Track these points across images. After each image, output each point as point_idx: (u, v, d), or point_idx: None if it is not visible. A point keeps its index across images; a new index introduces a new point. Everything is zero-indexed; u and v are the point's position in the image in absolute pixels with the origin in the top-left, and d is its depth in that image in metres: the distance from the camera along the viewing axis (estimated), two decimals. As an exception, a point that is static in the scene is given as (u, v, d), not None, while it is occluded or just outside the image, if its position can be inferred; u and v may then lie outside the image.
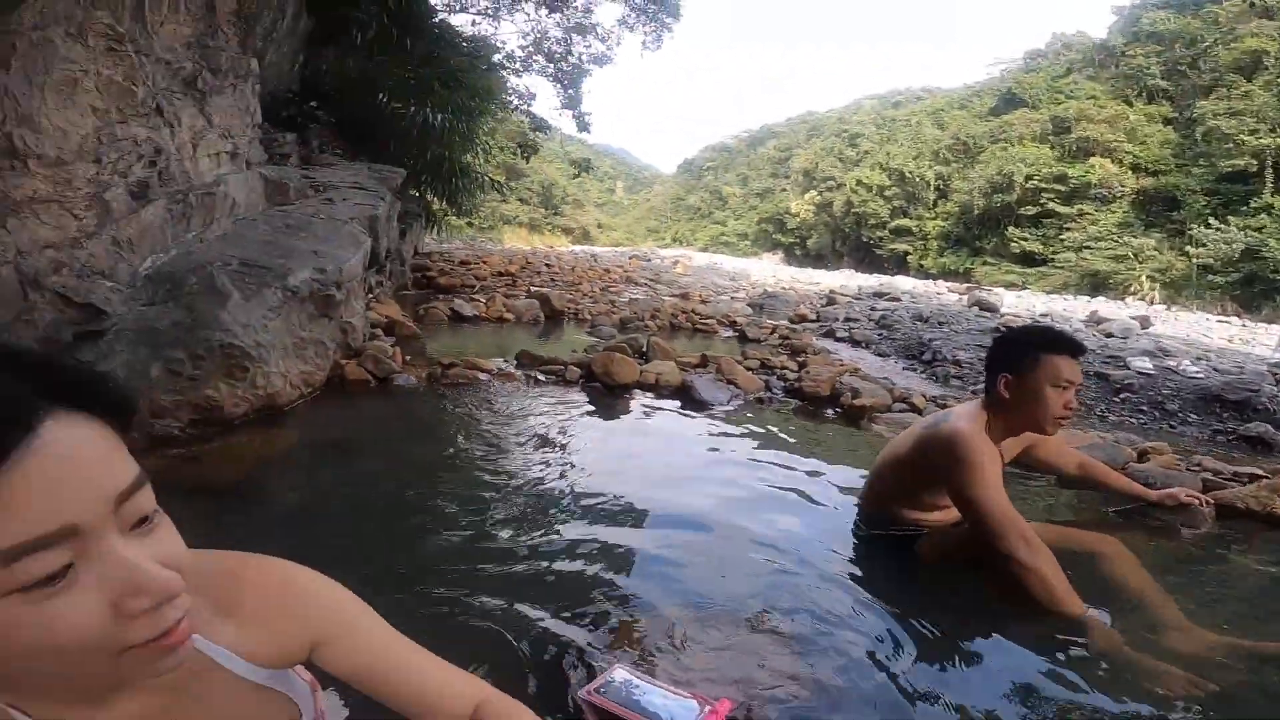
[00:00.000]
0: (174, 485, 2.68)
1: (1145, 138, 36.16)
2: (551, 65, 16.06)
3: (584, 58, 16.19)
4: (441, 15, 12.81)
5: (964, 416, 2.16)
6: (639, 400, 4.74)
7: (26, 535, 0.45)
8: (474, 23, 15.01)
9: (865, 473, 3.28)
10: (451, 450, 3.49)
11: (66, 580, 0.48)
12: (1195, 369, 7.04)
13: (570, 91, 16.25)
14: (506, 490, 3.00)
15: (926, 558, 2.28)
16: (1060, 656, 1.80)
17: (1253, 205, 28.75)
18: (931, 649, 1.88)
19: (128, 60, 3.41)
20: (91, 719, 0.60)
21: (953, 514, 2.28)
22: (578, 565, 2.35)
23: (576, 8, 15.48)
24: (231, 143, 5.00)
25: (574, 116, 16.56)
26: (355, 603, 0.83)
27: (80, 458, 0.49)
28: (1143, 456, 3.74)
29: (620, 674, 1.55)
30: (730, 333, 8.94)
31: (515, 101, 15.44)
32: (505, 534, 2.55)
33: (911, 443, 2.29)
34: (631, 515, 2.85)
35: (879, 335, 9.17)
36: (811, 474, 3.48)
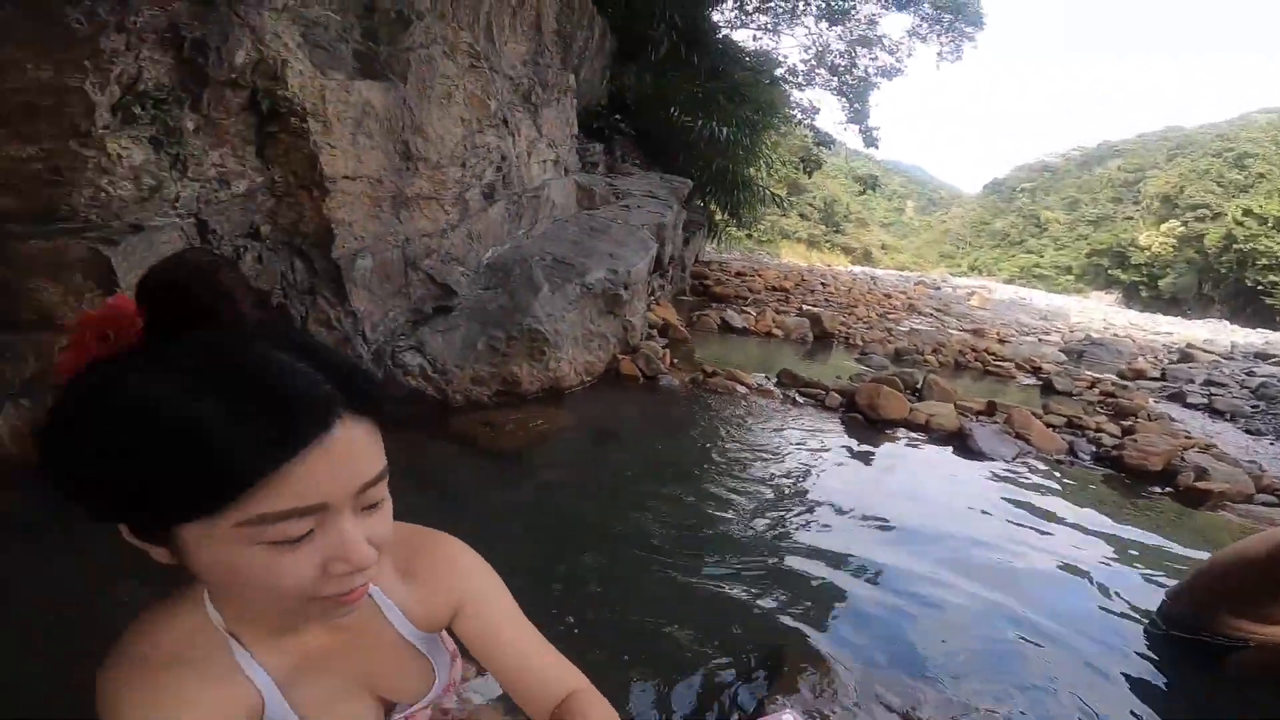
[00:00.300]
0: (472, 444, 3.22)
1: None
2: (835, 79, 15.48)
3: (870, 70, 15.34)
4: (724, 32, 13.10)
5: None
6: (902, 439, 4.31)
7: (292, 505, 0.55)
8: (755, 38, 15.08)
9: (1183, 564, 2.61)
10: (698, 455, 3.58)
11: (303, 542, 0.57)
12: None
13: (856, 105, 15.53)
14: (740, 504, 2.99)
15: (1248, 671, 1.96)
16: None
17: None
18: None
19: (484, 76, 4.15)
20: (280, 647, 0.72)
21: None
22: (782, 593, 2.23)
23: (859, 20, 14.70)
24: (555, 151, 5.78)
25: (860, 131, 15.79)
26: (496, 583, 0.91)
27: (349, 454, 0.58)
28: None
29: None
30: (1031, 380, 7.62)
31: (798, 115, 15.21)
32: (724, 546, 2.54)
33: (1275, 545, 1.94)
34: (861, 556, 2.60)
35: (1253, 407, 6.99)
36: (1108, 554, 2.85)
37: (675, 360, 5.46)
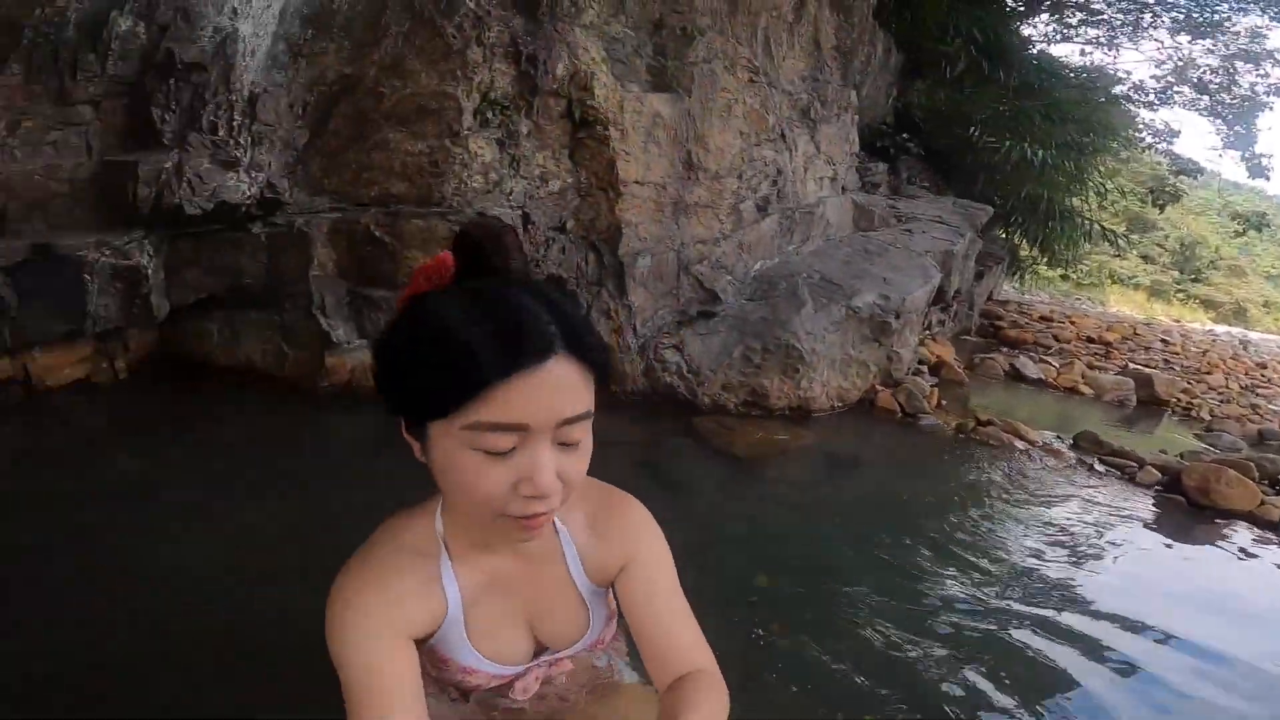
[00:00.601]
0: (708, 444, 3.30)
1: None
2: (1205, 98, 12.32)
3: (1258, 89, 11.90)
4: (1040, 46, 11.27)
5: None
6: (1242, 536, 3.31)
7: (502, 419, 0.66)
8: (1083, 53, 12.80)
9: None
10: (944, 507, 3.17)
11: (506, 457, 0.68)
12: None
13: (1237, 129, 12.40)
14: (982, 573, 2.56)
15: None
16: None
17: None
18: None
19: (762, 90, 4.19)
20: (476, 564, 0.84)
21: None
22: (999, 685, 1.86)
23: (1236, 33, 11.35)
24: (833, 169, 5.60)
25: (1243, 159, 12.83)
26: (664, 551, 0.94)
27: (557, 387, 0.67)
28: None
29: None
30: None
31: (1146, 139, 12.44)
32: (944, 611, 2.20)
33: None
34: (1138, 682, 2.02)
35: None
36: None
37: (944, 401, 4.90)
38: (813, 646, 1.90)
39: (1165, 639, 2.28)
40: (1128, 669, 2.12)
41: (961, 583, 2.42)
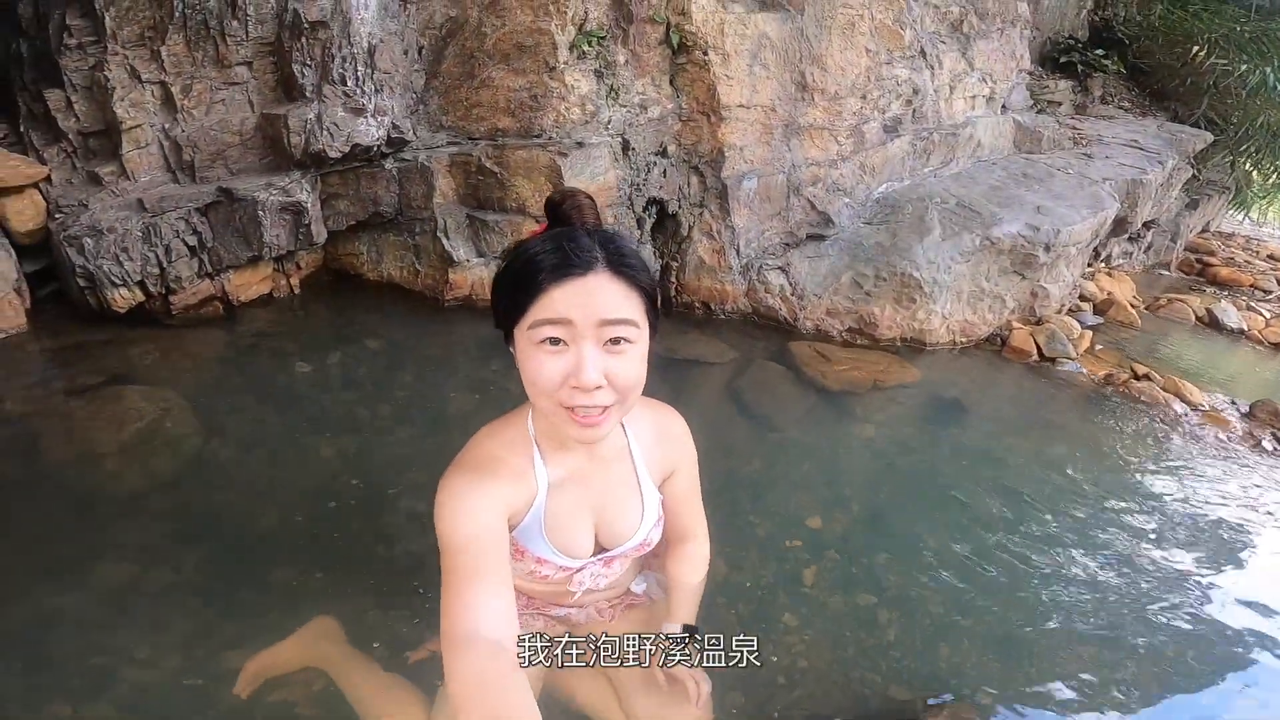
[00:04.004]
0: (800, 372, 3.25)
1: None
2: None
3: None
4: None
5: None
6: None
7: (551, 315, 0.82)
8: None
9: None
10: (1058, 471, 2.88)
11: (558, 349, 0.84)
12: None
13: None
14: (1087, 554, 2.34)
15: None
16: None
17: None
18: None
19: (898, 4, 3.72)
20: (560, 461, 1.02)
21: None
22: (1045, 666, 1.78)
23: None
24: (990, 86, 4.91)
25: None
26: (695, 456, 1.20)
27: (598, 293, 0.83)
28: None
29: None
30: None
31: None
32: (1017, 590, 2.07)
33: None
34: (1203, 676, 1.85)
35: None
36: None
37: (1098, 346, 4.35)
38: (839, 599, 1.91)
39: None
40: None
41: (1056, 566, 2.22)
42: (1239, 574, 2.36)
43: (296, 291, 3.42)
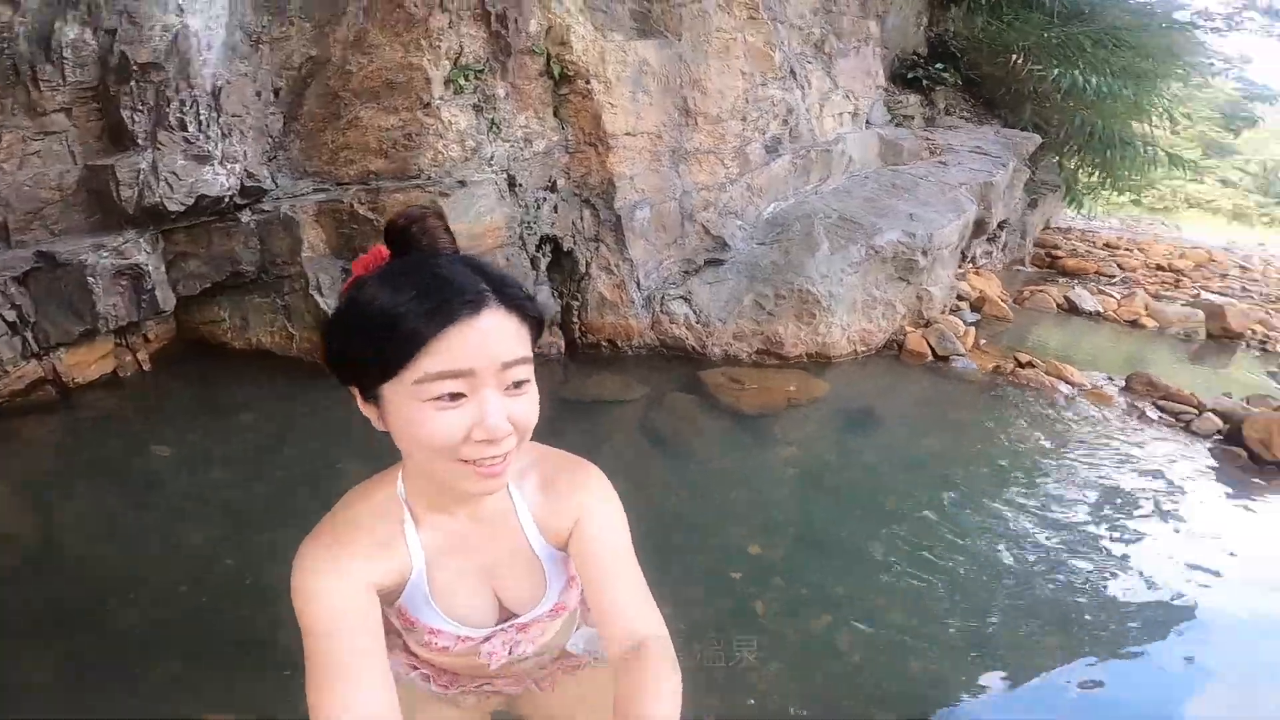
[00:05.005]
0: (714, 399, 3.18)
1: None
2: (1277, 24, 10.93)
3: None
4: None
5: None
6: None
7: (447, 367, 0.71)
8: None
9: None
10: (971, 462, 2.99)
11: (456, 404, 0.73)
12: None
13: None
14: (1001, 541, 2.39)
15: None
16: None
17: None
18: None
19: (766, 27, 3.90)
20: (436, 524, 0.88)
21: None
22: (1001, 649, 1.78)
23: None
24: (854, 103, 5.25)
25: None
26: (617, 514, 0.97)
27: (494, 335, 0.73)
28: None
29: None
30: None
31: (1216, 65, 11.19)
32: (949, 591, 2.06)
33: None
34: (1159, 636, 1.90)
35: None
36: None
37: (983, 341, 4.63)
38: (795, 626, 1.83)
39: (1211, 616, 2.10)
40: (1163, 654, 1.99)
41: (975, 555, 2.25)
42: (1172, 535, 2.50)
43: (147, 368, 3.00)
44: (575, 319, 3.53)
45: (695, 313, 3.72)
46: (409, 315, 0.71)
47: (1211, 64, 11.12)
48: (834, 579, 2.03)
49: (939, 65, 7.23)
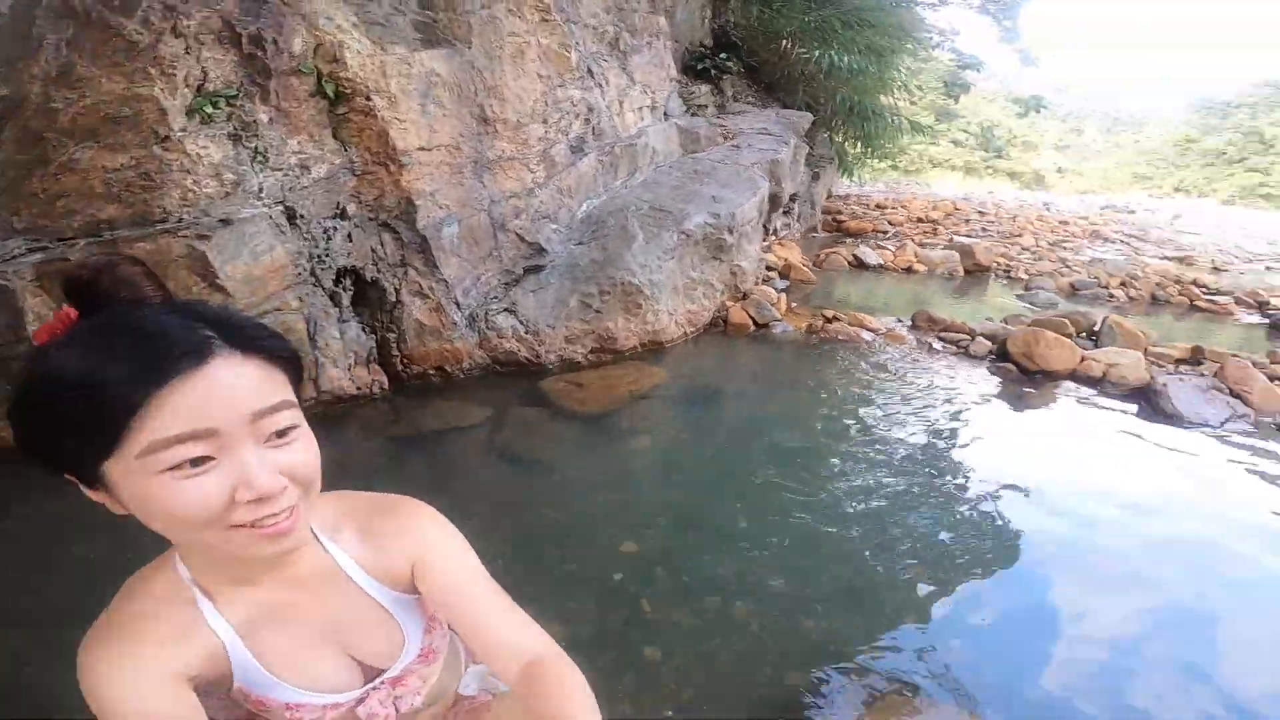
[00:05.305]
0: (558, 406, 3.13)
1: None
2: None
3: None
4: None
5: None
6: (1069, 396, 3.61)
7: (179, 430, 0.62)
8: None
9: None
10: (807, 409, 3.25)
11: (205, 469, 0.64)
12: None
13: (1006, 23, 13.71)
14: (846, 468, 2.65)
15: None
16: None
17: None
18: None
19: (559, 29, 3.90)
20: (242, 597, 0.79)
21: None
22: (881, 589, 1.94)
23: None
24: (651, 97, 5.45)
25: (1015, 51, 14.35)
26: (457, 542, 0.92)
27: (231, 384, 0.65)
28: None
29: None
30: (1256, 318, 6.16)
31: (935, 39, 13.40)
32: (816, 522, 2.24)
33: None
34: (994, 546, 2.19)
35: None
36: None
37: (794, 304, 5.04)
38: (687, 613, 1.83)
39: (1029, 517, 2.45)
40: (1004, 569, 2.25)
41: (829, 515, 2.38)
42: (956, 455, 2.85)
43: None
44: (395, 351, 3.26)
45: (523, 323, 3.61)
46: (111, 380, 0.62)
47: (931, 38, 13.02)
48: (711, 559, 2.06)
49: (723, 55, 7.71)
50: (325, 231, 2.93)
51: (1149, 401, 3.44)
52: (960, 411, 3.33)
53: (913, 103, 12.25)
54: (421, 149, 3.14)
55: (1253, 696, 1.61)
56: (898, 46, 9.55)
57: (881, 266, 7.06)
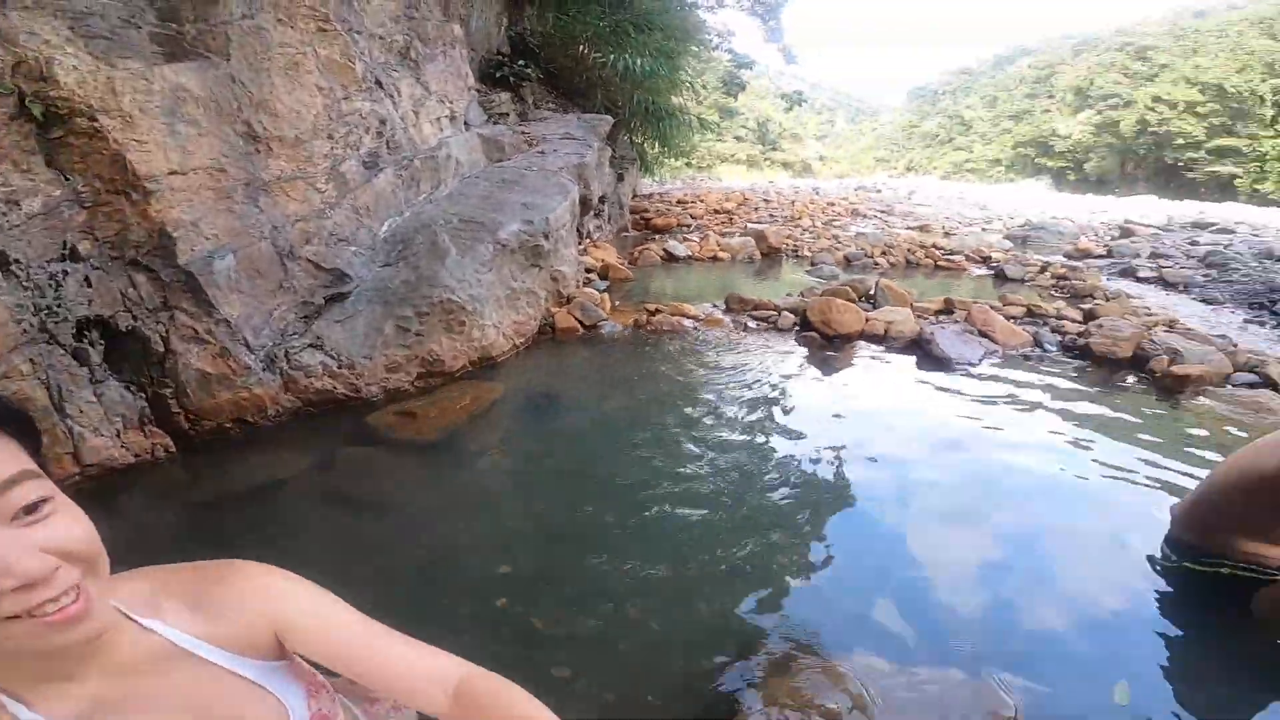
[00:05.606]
0: (390, 440, 2.87)
1: None
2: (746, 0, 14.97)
3: None
4: None
5: None
6: (864, 354, 4.09)
7: None
8: None
9: (1181, 472, 2.41)
10: (647, 402, 3.33)
11: None
12: None
13: (770, 24, 15.18)
14: (694, 451, 2.75)
15: (1271, 614, 1.61)
16: None
17: None
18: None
19: (341, 39, 3.60)
20: (60, 694, 0.69)
21: None
22: (756, 559, 2.04)
23: None
24: (449, 107, 5.24)
25: (779, 50, 15.65)
26: (319, 597, 0.85)
27: None
28: None
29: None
30: (983, 271, 7.52)
31: (714, 40, 14.68)
32: (680, 510, 2.31)
33: None
34: (837, 499, 2.42)
35: (1205, 277, 7.04)
36: (1096, 467, 2.65)
37: (617, 303, 5.14)
38: (583, 624, 1.77)
39: (849, 460, 2.72)
40: (840, 503, 2.43)
41: (693, 500, 2.43)
42: (784, 419, 3.08)
43: None
44: (175, 408, 2.76)
45: (334, 357, 3.26)
46: None
47: (711, 39, 14.05)
48: (590, 565, 2.01)
49: (522, 62, 7.64)
50: (52, 278, 2.37)
51: (923, 350, 4.02)
52: (781, 380, 3.62)
53: (699, 102, 13.17)
54: (174, 173, 2.68)
55: (1058, 578, 1.94)
56: (684, 49, 10.16)
57: (690, 257, 7.48)
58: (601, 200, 7.91)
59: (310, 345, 3.23)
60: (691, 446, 2.83)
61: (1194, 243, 9.49)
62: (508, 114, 6.99)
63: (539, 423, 3.18)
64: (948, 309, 4.86)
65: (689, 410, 3.24)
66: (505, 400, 3.34)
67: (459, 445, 2.87)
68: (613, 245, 7.62)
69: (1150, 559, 1.95)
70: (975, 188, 31.27)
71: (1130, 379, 3.70)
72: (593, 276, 5.83)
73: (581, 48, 8.51)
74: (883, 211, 13.68)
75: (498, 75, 7.32)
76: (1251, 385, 3.52)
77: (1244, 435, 2.92)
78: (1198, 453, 2.77)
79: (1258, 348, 4.30)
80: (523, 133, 6.43)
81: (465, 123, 5.70)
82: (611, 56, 8.11)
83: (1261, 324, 5.29)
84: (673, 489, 2.46)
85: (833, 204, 14.55)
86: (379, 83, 4.10)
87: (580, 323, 4.49)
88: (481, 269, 3.93)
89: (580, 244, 6.55)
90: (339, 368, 3.23)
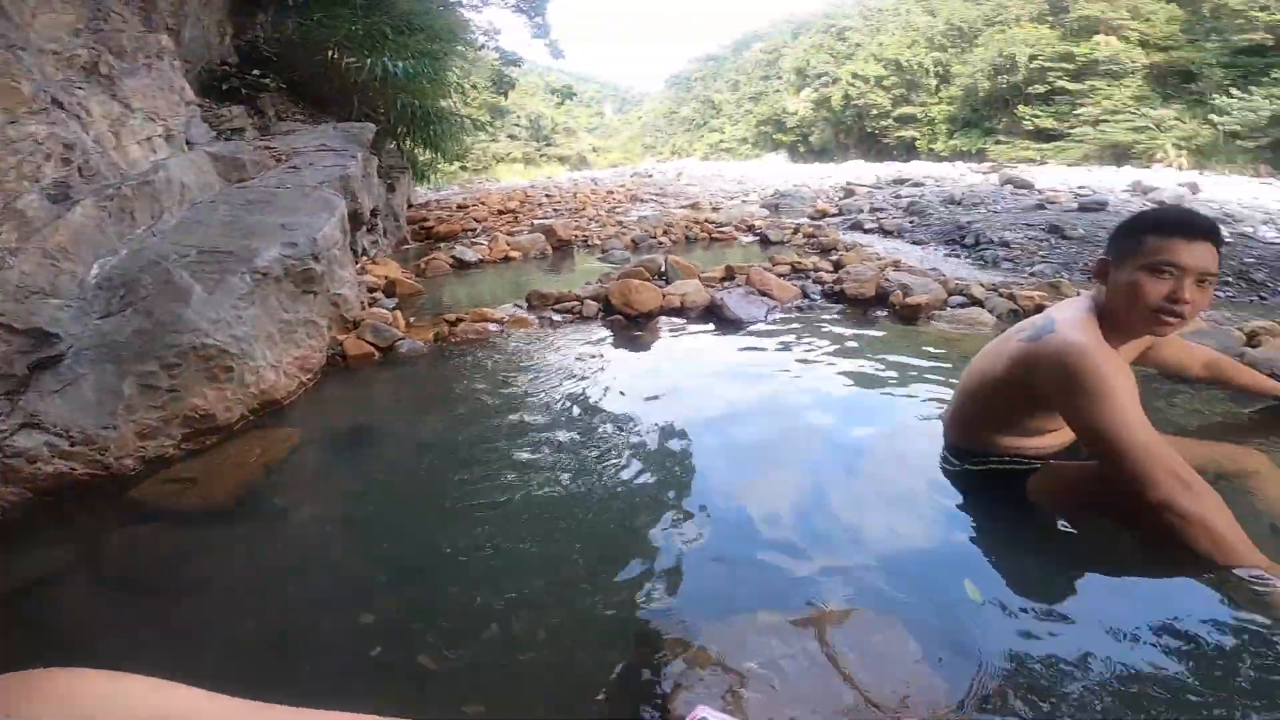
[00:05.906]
0: (173, 514, 2.39)
1: (1150, 15, 32.80)
2: None
3: None
4: None
5: (1072, 323, 1.69)
6: (666, 327, 4.31)
7: None
8: None
9: (939, 385, 2.86)
10: (468, 417, 3.16)
11: None
12: (1273, 233, 6.36)
13: (536, 19, 15.29)
14: (530, 458, 2.67)
15: (1039, 498, 1.87)
16: (1234, 621, 1.40)
17: (1274, 76, 26.00)
18: (1074, 634, 1.48)
19: (2, 56, 2.90)
20: None
21: (1065, 436, 1.90)
22: (626, 545, 2.03)
23: None
24: (162, 125, 4.47)
25: (545, 45, 15.78)
26: (159, 688, 0.69)
27: None
28: (1253, 339, 3.22)
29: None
30: (750, 238, 8.33)
31: (481, 39, 14.40)
32: (534, 518, 2.23)
33: (1008, 361, 1.82)
34: (675, 468, 2.52)
35: (911, 223, 8.53)
36: (876, 394, 3.08)
37: (412, 319, 4.80)
38: (472, 654, 1.61)
39: (675, 431, 2.82)
40: (677, 477, 2.49)
41: (553, 511, 2.31)
42: (606, 404, 3.12)
43: None
44: None
45: (62, 435, 2.62)
46: None
47: (477, 39, 13.60)
48: (462, 592, 1.85)
49: (256, 72, 6.75)
50: None
51: (717, 315, 4.34)
52: (598, 368, 3.66)
53: (468, 103, 12.80)
54: None
55: (871, 503, 2.20)
56: (449, 49, 9.77)
57: (482, 261, 7.25)
58: (374, 214, 7.34)
59: (24, 425, 2.56)
60: (527, 453, 2.73)
61: (898, 196, 11.42)
62: (243, 129, 6.14)
63: (351, 462, 2.86)
64: (729, 275, 5.30)
65: (514, 416, 3.13)
66: (305, 445, 2.94)
67: (261, 503, 2.47)
68: (394, 260, 7.11)
69: (940, 465, 2.21)
70: (730, 165, 34.75)
71: (879, 313, 4.35)
72: (379, 295, 5.40)
73: (330, 53, 7.79)
74: (657, 195, 14.53)
75: (225, 88, 6.40)
76: (963, 305, 4.33)
77: (971, 346, 3.57)
78: (944, 365, 3.34)
79: (960, 275, 5.32)
80: (267, 148, 5.70)
81: (188, 141, 4.90)
82: (368, 61, 7.55)
83: (958, 256, 6.57)
84: (520, 499, 2.35)
85: (612, 192, 15.10)
86: (59, 103, 3.34)
87: (374, 346, 4.12)
88: (241, 304, 3.41)
89: (357, 263, 6.02)
90: (71, 446, 2.61)
